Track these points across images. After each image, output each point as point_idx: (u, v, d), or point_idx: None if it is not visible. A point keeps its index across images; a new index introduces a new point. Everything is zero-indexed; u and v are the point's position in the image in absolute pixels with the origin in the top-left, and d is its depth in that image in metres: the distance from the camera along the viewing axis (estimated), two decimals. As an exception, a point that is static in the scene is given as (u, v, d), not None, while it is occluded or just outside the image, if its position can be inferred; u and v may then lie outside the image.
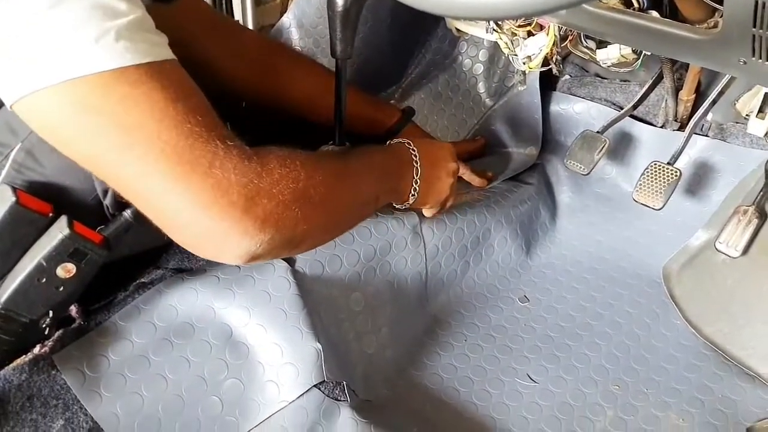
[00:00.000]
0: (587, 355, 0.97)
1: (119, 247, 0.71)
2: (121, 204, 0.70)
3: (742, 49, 0.62)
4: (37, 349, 0.71)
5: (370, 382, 0.89)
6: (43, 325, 0.68)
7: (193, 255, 0.73)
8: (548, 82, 1.23)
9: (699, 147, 1.10)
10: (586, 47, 1.05)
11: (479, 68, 1.34)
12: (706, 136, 1.11)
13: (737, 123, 1.09)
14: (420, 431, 0.84)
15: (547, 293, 1.08)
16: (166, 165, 0.53)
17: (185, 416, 0.74)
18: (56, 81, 0.50)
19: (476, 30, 1.24)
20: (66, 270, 0.66)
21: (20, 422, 0.67)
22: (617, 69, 1.10)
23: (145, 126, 0.52)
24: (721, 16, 0.63)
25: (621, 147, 1.17)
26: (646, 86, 1.10)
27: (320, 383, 0.78)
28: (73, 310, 0.75)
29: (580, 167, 1.06)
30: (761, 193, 0.97)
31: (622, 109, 1.14)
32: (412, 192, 0.85)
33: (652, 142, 1.15)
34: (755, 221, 0.94)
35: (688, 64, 1.05)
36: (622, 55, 1.00)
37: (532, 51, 1.03)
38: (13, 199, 0.63)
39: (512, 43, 1.06)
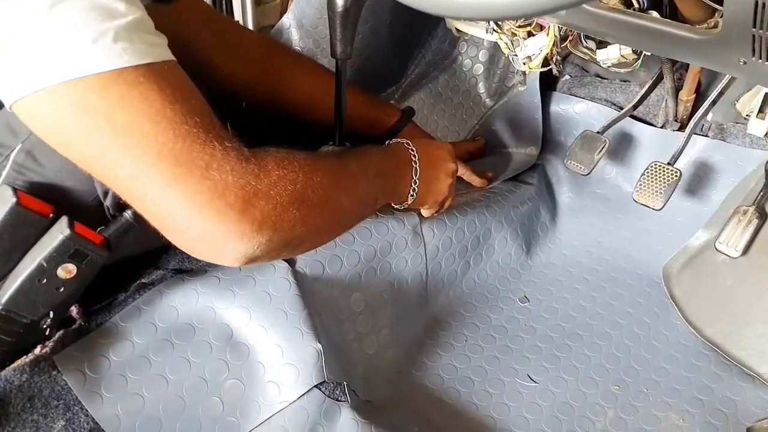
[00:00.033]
0: (587, 355, 0.97)
1: (120, 248, 0.71)
2: (121, 205, 0.70)
3: (742, 49, 0.62)
4: (37, 350, 0.71)
5: (371, 382, 0.89)
6: (44, 326, 0.68)
7: (194, 256, 0.73)
8: (548, 83, 1.22)
9: (699, 147, 1.10)
10: (586, 47, 1.05)
11: (479, 68, 1.34)
12: (706, 136, 1.10)
13: (737, 123, 1.09)
14: (420, 431, 0.84)
15: (547, 293, 1.08)
16: (162, 167, 0.53)
17: (186, 417, 0.74)
18: (55, 82, 0.50)
19: (476, 30, 1.23)
20: (67, 271, 0.65)
21: (21, 423, 0.67)
22: (617, 69, 1.11)
23: (141, 127, 0.52)
24: (721, 17, 0.63)
25: (621, 147, 1.17)
26: (646, 86, 1.10)
27: (321, 384, 0.78)
28: (74, 310, 0.75)
29: (580, 167, 1.06)
30: (761, 193, 0.97)
31: (622, 109, 1.14)
32: (411, 192, 0.85)
33: (652, 143, 1.14)
34: (755, 221, 0.94)
35: (688, 64, 1.05)
36: (622, 56, 1.00)
37: (532, 51, 1.03)
38: (14, 200, 0.63)
39: (512, 44, 1.06)
